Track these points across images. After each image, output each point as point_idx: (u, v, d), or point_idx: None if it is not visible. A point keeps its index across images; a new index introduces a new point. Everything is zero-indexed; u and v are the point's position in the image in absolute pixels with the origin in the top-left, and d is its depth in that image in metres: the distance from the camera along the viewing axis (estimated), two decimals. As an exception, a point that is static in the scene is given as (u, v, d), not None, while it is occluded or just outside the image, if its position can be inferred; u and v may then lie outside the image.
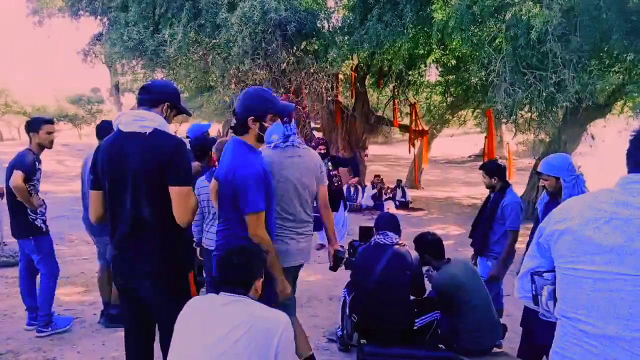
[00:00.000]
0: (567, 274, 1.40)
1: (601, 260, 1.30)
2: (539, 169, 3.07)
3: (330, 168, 6.59)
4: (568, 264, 1.39)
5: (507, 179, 4.08)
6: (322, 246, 6.73)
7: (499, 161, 4.41)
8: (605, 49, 7.13)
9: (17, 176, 3.53)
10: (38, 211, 3.76)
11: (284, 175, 2.79)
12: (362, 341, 3.26)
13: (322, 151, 6.54)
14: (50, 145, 3.78)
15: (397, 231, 3.50)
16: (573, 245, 1.38)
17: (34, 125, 3.73)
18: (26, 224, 3.72)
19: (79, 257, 6.17)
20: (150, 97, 2.29)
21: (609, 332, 1.27)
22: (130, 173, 2.17)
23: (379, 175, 12.21)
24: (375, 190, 11.58)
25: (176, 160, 2.18)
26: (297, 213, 2.85)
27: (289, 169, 2.81)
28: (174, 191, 2.17)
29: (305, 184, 2.87)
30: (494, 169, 4.02)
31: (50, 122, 3.82)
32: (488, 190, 4.15)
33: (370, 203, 11.23)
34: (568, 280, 1.40)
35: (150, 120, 2.20)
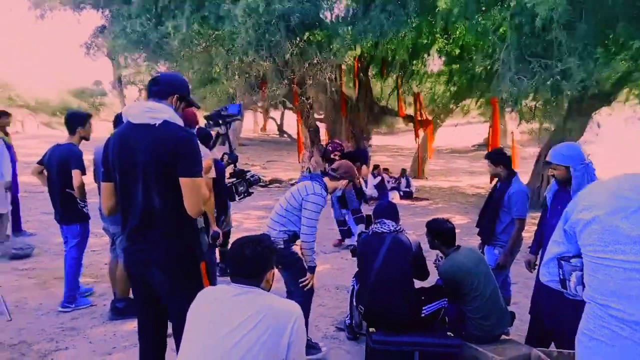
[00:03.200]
0: (596, 262, 1.42)
1: (631, 250, 1.32)
2: (548, 158, 3.05)
3: None
4: (597, 253, 1.41)
5: (512, 167, 4.08)
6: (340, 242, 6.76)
7: (504, 150, 4.42)
8: (611, 36, 7.06)
9: (78, 175, 3.94)
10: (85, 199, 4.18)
11: None
12: (371, 329, 3.28)
13: (337, 157, 6.19)
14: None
15: (395, 219, 3.50)
16: (601, 235, 1.39)
17: (82, 119, 4.12)
18: (76, 212, 4.14)
19: (88, 249, 6.15)
20: (160, 88, 2.29)
21: None
22: (140, 164, 2.18)
23: (378, 166, 12.24)
24: (377, 180, 11.56)
25: (186, 151, 2.19)
26: None
27: None
28: (185, 182, 2.18)
29: None
30: (499, 158, 4.02)
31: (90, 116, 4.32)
32: (493, 179, 4.15)
33: (375, 193, 11.24)
34: (598, 268, 1.41)
35: (160, 112, 2.20)
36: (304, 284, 3.31)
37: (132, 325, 3.72)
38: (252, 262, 1.96)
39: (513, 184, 3.91)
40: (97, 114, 35.84)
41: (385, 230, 3.38)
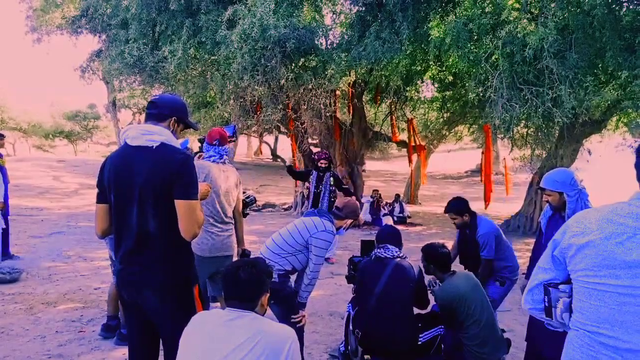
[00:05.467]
0: (588, 287, 1.39)
1: (626, 275, 1.31)
2: (541, 185, 3.07)
3: (332, 183, 6.61)
4: (589, 278, 1.39)
5: (471, 209, 3.97)
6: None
7: (459, 195, 4.30)
8: (600, 65, 7.23)
9: None
10: None
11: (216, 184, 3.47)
12: (367, 357, 3.22)
13: (324, 165, 6.63)
14: None
15: (399, 244, 3.48)
16: (595, 260, 1.37)
17: None
18: None
19: (76, 273, 6.10)
20: (158, 111, 2.30)
21: (634, 346, 1.28)
22: (136, 187, 2.16)
23: (377, 190, 12.27)
24: (372, 201, 11.58)
25: (183, 174, 2.17)
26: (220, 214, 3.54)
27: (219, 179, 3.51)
28: (181, 205, 2.16)
29: (229, 193, 3.60)
30: (462, 207, 3.93)
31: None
32: (459, 229, 4.06)
33: (369, 218, 11.23)
34: (590, 294, 1.39)
35: (157, 134, 2.20)
36: (295, 321, 3.21)
37: (121, 352, 3.63)
38: (248, 285, 1.94)
39: (479, 226, 3.84)
40: (90, 137, 35.85)
41: (388, 256, 3.35)
